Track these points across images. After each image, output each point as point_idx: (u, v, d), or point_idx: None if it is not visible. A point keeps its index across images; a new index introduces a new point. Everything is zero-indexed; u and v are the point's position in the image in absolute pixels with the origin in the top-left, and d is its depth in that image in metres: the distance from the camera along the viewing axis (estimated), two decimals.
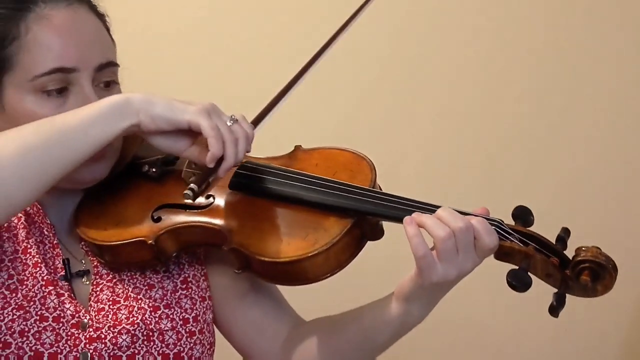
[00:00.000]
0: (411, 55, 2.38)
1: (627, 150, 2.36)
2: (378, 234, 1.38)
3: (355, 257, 1.36)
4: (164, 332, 1.43)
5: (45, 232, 1.46)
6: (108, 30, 1.49)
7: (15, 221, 1.46)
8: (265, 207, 1.40)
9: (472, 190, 2.32)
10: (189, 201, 1.35)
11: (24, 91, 1.40)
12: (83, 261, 1.48)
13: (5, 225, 1.45)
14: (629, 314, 2.22)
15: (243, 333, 1.51)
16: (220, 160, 1.31)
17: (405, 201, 1.34)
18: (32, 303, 1.38)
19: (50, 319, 1.39)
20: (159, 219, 1.44)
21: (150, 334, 1.41)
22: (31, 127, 1.30)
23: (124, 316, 1.41)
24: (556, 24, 2.34)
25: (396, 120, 2.39)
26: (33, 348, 1.37)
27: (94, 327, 1.40)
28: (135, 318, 1.42)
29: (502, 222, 1.30)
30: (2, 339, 1.36)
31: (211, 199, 1.42)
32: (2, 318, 1.37)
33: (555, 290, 1.27)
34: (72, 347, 1.38)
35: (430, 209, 1.32)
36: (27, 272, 1.41)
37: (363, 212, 1.34)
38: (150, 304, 1.44)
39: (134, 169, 1.52)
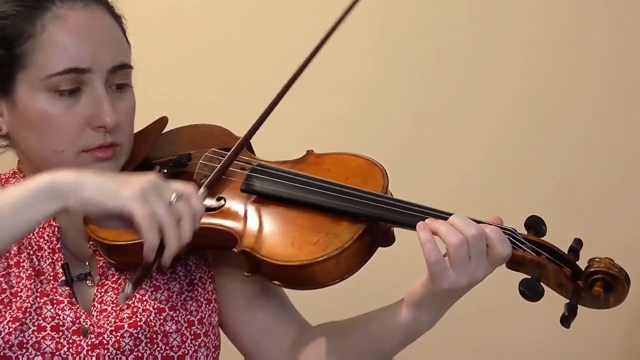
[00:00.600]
0: (418, 61, 2.37)
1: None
2: (389, 240, 1.38)
3: (366, 263, 1.36)
4: (168, 334, 1.42)
5: (46, 237, 1.46)
6: (124, 32, 1.49)
7: None
8: (276, 210, 1.40)
9: (483, 198, 2.31)
10: (122, 302, 1.33)
11: (36, 89, 1.40)
12: (88, 262, 1.48)
13: None
14: (629, 314, 2.23)
15: (250, 336, 1.50)
16: (162, 247, 1.21)
17: (418, 208, 1.34)
18: (27, 314, 1.37)
19: (49, 328, 1.37)
20: None
21: (154, 336, 1.41)
22: None
23: (126, 316, 1.41)
24: (561, 25, 2.34)
25: (405, 127, 2.38)
26: (34, 359, 1.36)
27: (96, 333, 1.39)
28: (138, 320, 1.41)
29: (515, 231, 1.31)
30: (2, 354, 1.35)
31: (222, 202, 1.42)
32: None
33: (567, 300, 1.27)
34: (74, 355, 1.37)
35: (443, 216, 1.32)
36: (20, 284, 1.40)
37: (375, 218, 1.34)
38: (156, 306, 1.43)
39: (145, 169, 1.51)
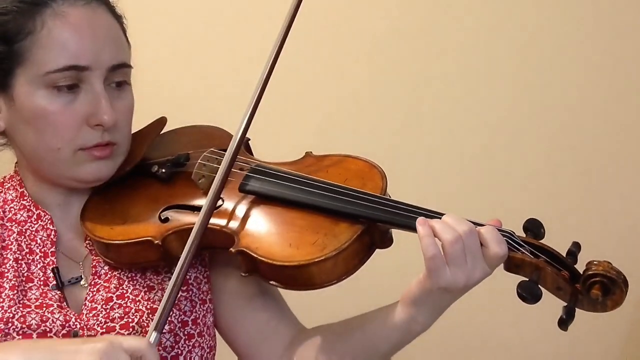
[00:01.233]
0: (416, 61, 2.38)
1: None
2: (387, 242, 1.38)
3: (364, 265, 1.36)
4: (161, 334, 1.41)
5: (39, 241, 1.45)
6: (124, 31, 1.49)
7: None
8: (274, 211, 1.39)
9: (481, 202, 2.31)
10: None
11: (35, 85, 1.40)
12: (81, 263, 1.47)
13: None
14: (629, 314, 2.23)
15: (246, 338, 1.50)
16: None
17: (416, 209, 1.34)
18: (10, 324, 1.36)
19: (35, 335, 1.36)
20: (166, 220, 1.43)
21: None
22: None
23: (118, 316, 1.40)
24: (559, 24, 2.34)
25: (403, 130, 2.39)
26: None
27: (85, 336, 1.38)
28: (131, 320, 1.40)
29: (514, 233, 1.31)
30: None
31: (220, 202, 1.42)
32: None
33: (565, 303, 1.27)
34: None
35: (438, 217, 1.32)
36: (3, 295, 1.39)
37: (374, 219, 1.34)
38: (149, 306, 1.42)
39: (143, 169, 1.51)
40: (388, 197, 1.39)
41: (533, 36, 2.34)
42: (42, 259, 1.44)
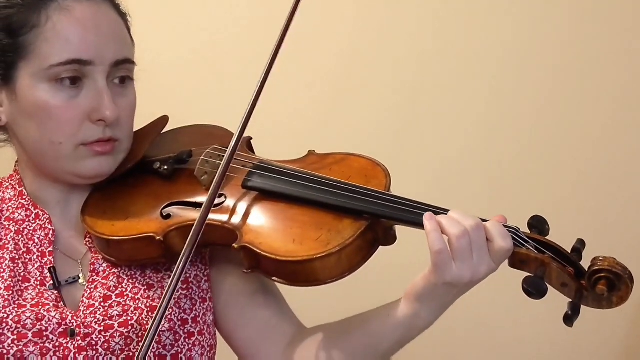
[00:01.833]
0: (418, 59, 2.38)
1: None
2: (391, 239, 1.38)
3: (367, 262, 1.35)
4: (161, 332, 1.40)
5: (37, 240, 1.45)
6: (129, 29, 1.50)
7: None
8: (277, 207, 1.39)
9: (486, 199, 2.31)
10: None
11: (38, 79, 1.40)
12: (80, 261, 1.46)
13: None
14: (629, 314, 2.23)
15: (247, 336, 1.49)
16: None
17: (420, 205, 1.34)
18: (4, 325, 1.36)
19: (30, 335, 1.36)
20: (168, 216, 1.43)
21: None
22: None
23: (116, 314, 1.39)
24: (565, 23, 2.35)
25: (408, 128, 2.38)
26: None
27: (83, 334, 1.37)
28: (129, 319, 1.39)
29: (519, 229, 1.31)
30: None
31: (223, 198, 1.41)
32: None
33: (570, 300, 1.27)
34: (60, 359, 1.36)
35: (443, 213, 1.32)
36: None
37: (377, 215, 1.34)
38: (148, 304, 1.41)
39: (144, 166, 1.51)
40: (392, 194, 1.39)
41: (536, 34, 2.35)
42: (40, 258, 1.43)
